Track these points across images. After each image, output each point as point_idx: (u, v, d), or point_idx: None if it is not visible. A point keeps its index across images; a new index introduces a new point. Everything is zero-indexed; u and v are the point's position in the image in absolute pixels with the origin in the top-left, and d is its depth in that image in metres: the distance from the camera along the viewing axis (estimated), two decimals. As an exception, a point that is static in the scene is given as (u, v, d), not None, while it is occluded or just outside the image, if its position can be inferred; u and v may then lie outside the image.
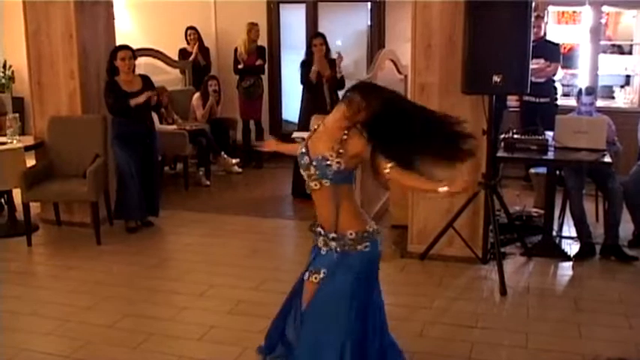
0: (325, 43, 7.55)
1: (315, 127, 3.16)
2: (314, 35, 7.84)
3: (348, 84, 7.27)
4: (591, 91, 6.20)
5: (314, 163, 3.03)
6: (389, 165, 2.93)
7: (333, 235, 3.09)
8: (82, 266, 5.51)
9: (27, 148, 6.33)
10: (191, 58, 9.35)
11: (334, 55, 7.58)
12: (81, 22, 6.24)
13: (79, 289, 5.03)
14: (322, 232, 3.14)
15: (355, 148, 2.99)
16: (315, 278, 3.15)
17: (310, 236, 3.28)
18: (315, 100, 7.43)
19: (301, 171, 3.12)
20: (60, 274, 5.41)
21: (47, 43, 6.32)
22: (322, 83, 7.51)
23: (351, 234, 3.06)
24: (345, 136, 3.00)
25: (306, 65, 7.56)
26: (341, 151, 2.98)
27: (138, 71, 6.41)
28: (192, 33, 9.37)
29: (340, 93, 7.56)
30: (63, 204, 6.48)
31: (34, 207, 6.37)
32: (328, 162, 2.99)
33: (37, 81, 6.45)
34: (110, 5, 6.72)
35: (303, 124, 7.26)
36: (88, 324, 4.43)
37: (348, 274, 3.07)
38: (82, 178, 5.94)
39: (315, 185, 3.06)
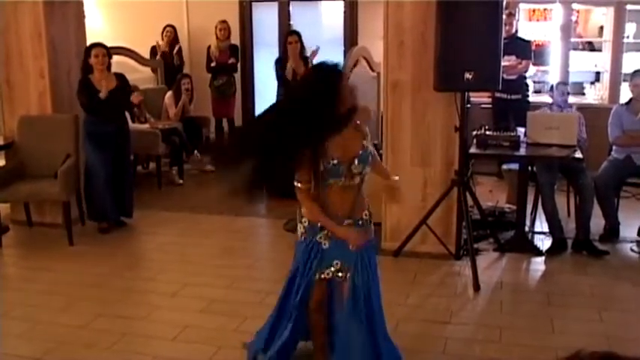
0: (300, 40, 7.54)
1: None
2: (289, 33, 7.82)
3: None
4: (564, 83, 6.33)
5: (356, 162, 3.10)
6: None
7: (347, 221, 3.19)
8: (54, 267, 5.46)
9: (-4, 148, 6.26)
10: (157, 57, 9.29)
11: (307, 54, 7.57)
12: (50, 21, 6.18)
13: (51, 291, 4.98)
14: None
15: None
16: (329, 274, 3.21)
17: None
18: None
19: (334, 180, 3.12)
20: (31, 275, 5.35)
21: (16, 42, 6.24)
22: (297, 80, 7.50)
23: (366, 214, 3.27)
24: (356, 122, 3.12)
25: (280, 62, 7.54)
26: (366, 131, 3.16)
27: (110, 70, 6.35)
28: (170, 30, 9.30)
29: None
30: (34, 204, 6.40)
31: (4, 208, 6.31)
32: (366, 148, 3.12)
33: (6, 80, 6.37)
34: (80, 3, 6.67)
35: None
36: (61, 325, 4.38)
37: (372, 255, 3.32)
38: (53, 179, 5.88)
39: (355, 180, 3.15)
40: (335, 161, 3.09)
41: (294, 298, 3.35)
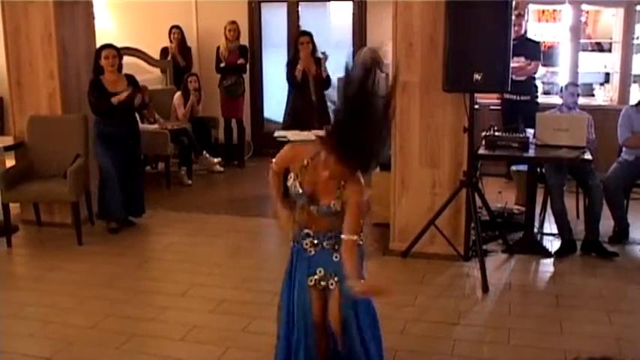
0: (312, 41, 7.52)
1: (305, 163, 3.05)
2: (300, 34, 7.80)
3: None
4: (574, 84, 6.32)
5: (312, 208, 3.04)
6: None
7: (328, 234, 3.12)
8: (63, 267, 5.48)
9: (6, 149, 6.29)
10: (169, 58, 9.30)
11: (320, 55, 7.55)
12: (60, 22, 6.20)
13: (61, 290, 5.00)
14: (311, 234, 3.15)
15: (352, 195, 2.97)
16: (312, 281, 3.17)
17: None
18: (301, 99, 7.40)
19: (295, 199, 3.11)
20: (41, 275, 5.36)
21: (26, 43, 6.27)
22: (308, 81, 7.49)
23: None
24: (342, 185, 2.98)
25: (291, 64, 7.53)
26: (343, 198, 2.99)
27: (120, 71, 6.36)
28: (177, 32, 9.31)
29: (326, 92, 7.55)
30: (43, 204, 6.42)
31: (14, 207, 6.33)
32: (331, 206, 3.01)
33: (17, 81, 6.39)
34: (90, 4, 6.69)
35: (289, 122, 7.27)
36: (70, 325, 4.40)
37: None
38: (62, 179, 5.90)
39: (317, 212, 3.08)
40: (300, 190, 3.05)
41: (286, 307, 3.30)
